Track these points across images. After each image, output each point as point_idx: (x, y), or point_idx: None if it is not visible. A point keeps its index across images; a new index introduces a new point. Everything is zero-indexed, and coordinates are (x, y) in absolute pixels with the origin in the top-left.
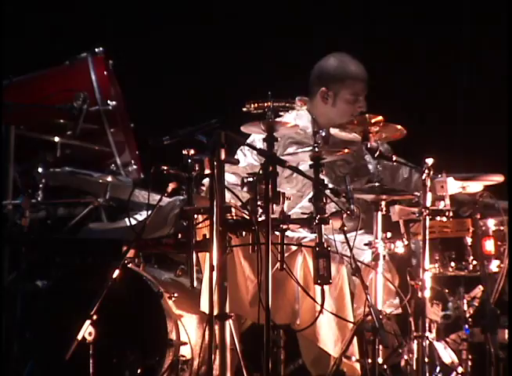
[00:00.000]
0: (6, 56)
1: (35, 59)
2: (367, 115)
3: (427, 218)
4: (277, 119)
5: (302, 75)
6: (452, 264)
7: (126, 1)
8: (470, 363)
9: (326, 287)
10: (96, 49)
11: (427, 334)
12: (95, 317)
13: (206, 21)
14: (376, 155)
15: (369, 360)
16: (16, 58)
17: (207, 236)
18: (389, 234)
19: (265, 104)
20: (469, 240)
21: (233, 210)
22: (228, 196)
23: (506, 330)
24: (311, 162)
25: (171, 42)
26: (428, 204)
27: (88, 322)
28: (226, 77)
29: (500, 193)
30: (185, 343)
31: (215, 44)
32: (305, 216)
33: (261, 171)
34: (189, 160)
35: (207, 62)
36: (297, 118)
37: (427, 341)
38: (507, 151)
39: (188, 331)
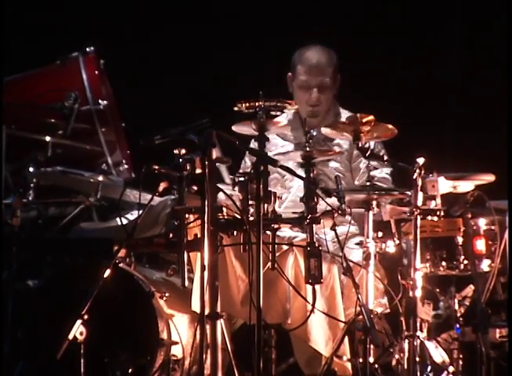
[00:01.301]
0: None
1: (26, 58)
2: (358, 115)
3: (418, 217)
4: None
5: None
6: (444, 263)
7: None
8: (461, 363)
9: (317, 287)
10: (87, 49)
11: (418, 333)
12: (86, 317)
13: (204, 21)
14: (367, 154)
15: (361, 360)
16: (7, 58)
17: (199, 236)
18: (380, 233)
19: (256, 104)
20: (460, 240)
21: (224, 209)
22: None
23: (498, 330)
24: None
25: (163, 42)
26: (419, 203)
27: (79, 321)
28: (221, 77)
29: (491, 192)
30: (177, 342)
31: (210, 43)
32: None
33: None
34: (181, 160)
35: (201, 61)
36: (289, 117)
37: (418, 341)
38: (508, 151)
39: (179, 331)
